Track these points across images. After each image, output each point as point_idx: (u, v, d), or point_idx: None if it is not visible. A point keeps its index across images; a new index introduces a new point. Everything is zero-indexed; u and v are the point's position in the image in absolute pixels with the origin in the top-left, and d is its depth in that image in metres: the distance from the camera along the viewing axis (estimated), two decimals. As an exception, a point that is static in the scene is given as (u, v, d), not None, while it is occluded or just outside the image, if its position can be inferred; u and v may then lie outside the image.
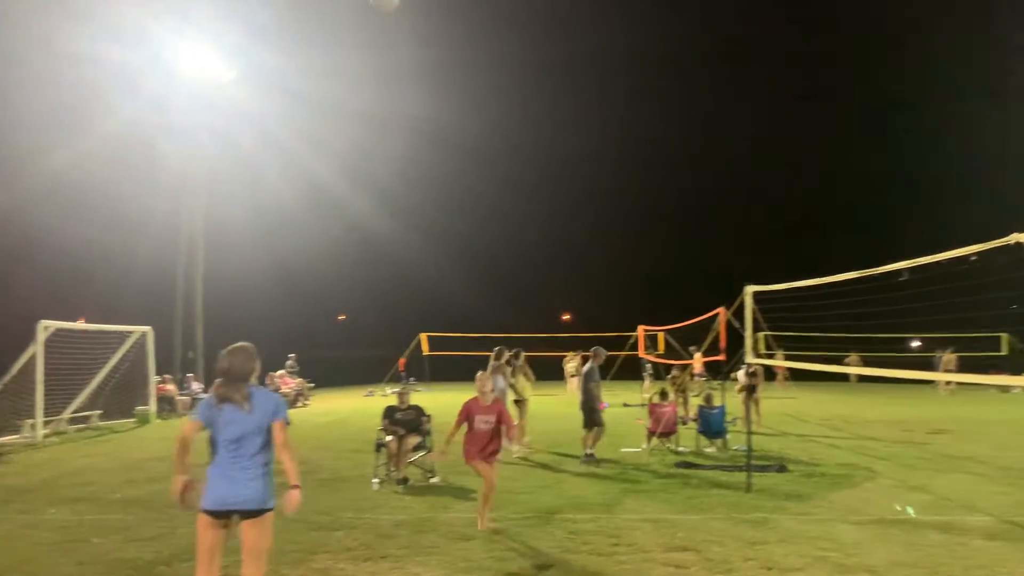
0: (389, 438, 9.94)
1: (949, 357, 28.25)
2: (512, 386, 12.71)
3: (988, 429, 16.06)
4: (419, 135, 41.20)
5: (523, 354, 13.43)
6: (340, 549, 6.73)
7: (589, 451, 11.48)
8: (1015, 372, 28.25)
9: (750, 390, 13.98)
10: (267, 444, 4.49)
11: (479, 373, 7.96)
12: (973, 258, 5.77)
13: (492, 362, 12.04)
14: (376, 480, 9.73)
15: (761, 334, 28.96)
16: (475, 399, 7.72)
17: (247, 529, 4.41)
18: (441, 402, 22.85)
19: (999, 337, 31.80)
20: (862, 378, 33.18)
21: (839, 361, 27.41)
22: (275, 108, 30.37)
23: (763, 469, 10.51)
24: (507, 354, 12.65)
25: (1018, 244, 5.07)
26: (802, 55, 53.83)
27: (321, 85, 33.66)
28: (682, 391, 16.27)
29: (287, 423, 4.56)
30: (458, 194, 48.57)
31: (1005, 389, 28.33)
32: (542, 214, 51.92)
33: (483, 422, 7.59)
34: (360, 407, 21.96)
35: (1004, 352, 31.62)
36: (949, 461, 11.66)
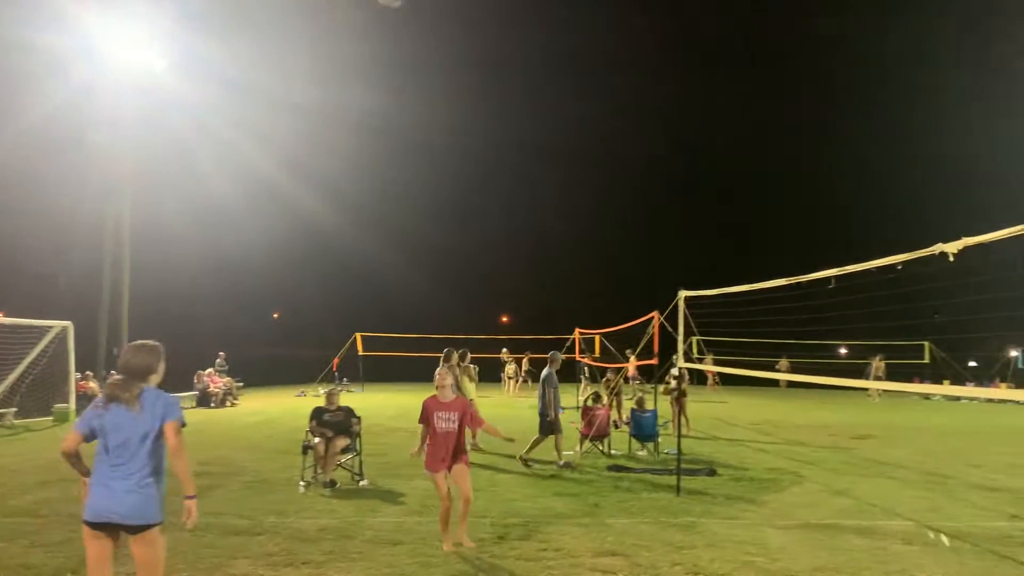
0: (316, 440, 9.71)
1: (879, 364, 29.11)
2: (459, 387, 12.58)
3: (910, 435, 16.52)
4: (363, 130, 40.60)
5: (469, 355, 13.37)
6: (260, 554, 6.51)
7: (561, 463, 11.38)
8: (936, 380, 29.25)
9: (679, 394, 14.12)
10: (155, 451, 4.20)
11: (438, 369, 7.25)
12: (899, 267, 5.88)
13: (443, 363, 11.88)
14: (302, 483, 9.49)
15: (694, 339, 29.50)
16: (434, 397, 6.99)
17: (133, 544, 4.15)
18: (374, 404, 22.64)
19: (923, 345, 32.86)
20: (792, 383, 33.91)
21: (770, 367, 28.00)
22: (211, 98, 29.56)
23: (693, 473, 10.59)
24: (456, 355, 12.52)
25: (942, 254, 5.18)
26: (745, 56, 54.84)
27: (260, 76, 32.93)
28: (616, 394, 16.34)
29: (182, 425, 4.30)
30: (400, 192, 47.99)
31: (927, 396, 29.29)
32: (485, 214, 51.66)
33: (445, 420, 6.80)
34: (291, 407, 21.52)
35: (926, 360, 32.72)
36: (873, 466, 11.93)
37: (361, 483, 9.65)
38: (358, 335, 30.79)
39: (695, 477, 10.39)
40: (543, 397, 11.67)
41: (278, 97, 34.85)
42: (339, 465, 9.75)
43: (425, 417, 6.95)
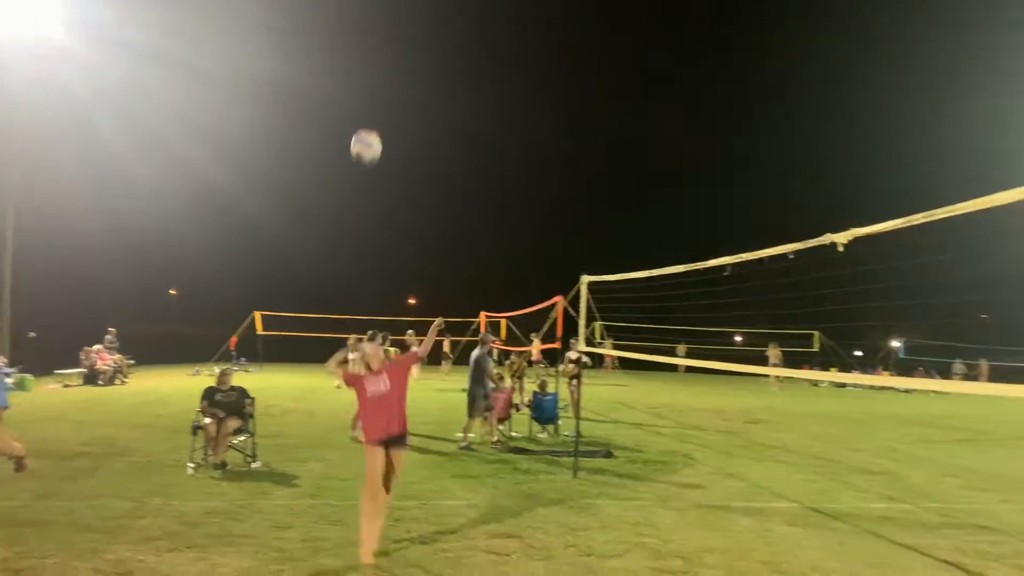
0: (207, 420, 9.36)
1: (774, 352, 30.18)
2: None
3: (799, 420, 17.17)
4: (272, 99, 39.40)
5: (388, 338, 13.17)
6: (141, 539, 6.21)
7: (464, 444, 11.31)
8: (825, 368, 30.60)
9: (576, 377, 14.28)
10: None
11: (364, 344, 6.61)
12: (791, 256, 6.03)
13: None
14: (191, 465, 9.13)
15: (597, 324, 29.94)
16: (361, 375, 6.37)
17: None
18: (272, 384, 22.09)
19: (812, 335, 34.29)
20: (690, 369, 34.86)
21: (669, 353, 28.71)
22: (110, 63, 28.11)
23: (591, 455, 10.72)
24: (381, 336, 12.29)
25: (832, 244, 5.33)
26: (644, 46, 55.86)
27: (162, 41, 31.54)
28: (519, 377, 16.41)
29: (3, 407, 4.01)
30: (309, 168, 46.80)
31: (815, 383, 30.59)
32: (395, 193, 50.97)
33: (377, 384, 6.19)
34: (184, 387, 20.76)
35: (816, 349, 34.17)
36: (763, 450, 12.33)
37: (253, 465, 9.36)
38: (256, 313, 29.97)
39: (593, 459, 10.51)
40: (474, 378, 11.66)
41: (181, 63, 33.43)
42: (231, 447, 9.43)
43: (353, 382, 6.28)
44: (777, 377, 29.11)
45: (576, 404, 11.87)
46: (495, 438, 11.66)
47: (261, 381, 22.34)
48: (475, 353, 11.98)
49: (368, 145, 7.82)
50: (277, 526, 6.72)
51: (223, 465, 9.09)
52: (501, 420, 12.55)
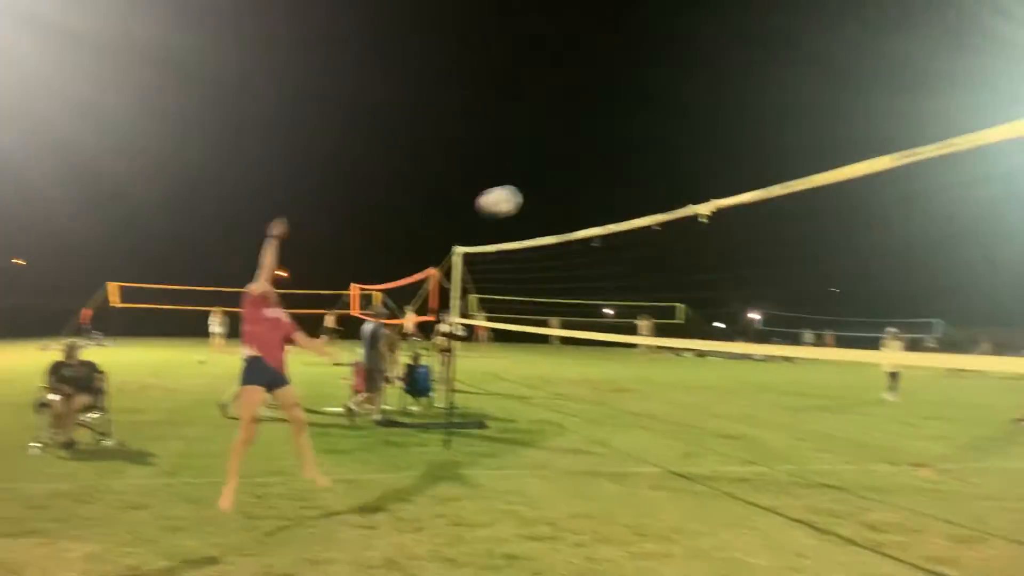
0: (54, 397, 8.76)
1: (645, 323, 31.15)
2: None
3: (664, 389, 17.82)
4: (136, 61, 36.96)
5: None
6: (-23, 525, 5.74)
7: (353, 407, 11.13)
8: (687, 338, 31.88)
9: (447, 349, 14.26)
10: None
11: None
12: (657, 228, 6.16)
13: None
14: (36, 444, 8.52)
15: (473, 297, 30.02)
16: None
17: None
18: (129, 359, 21.00)
19: (676, 307, 35.62)
20: (564, 341, 35.54)
21: (543, 324, 29.18)
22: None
23: (463, 426, 10.73)
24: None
25: (696, 216, 5.47)
26: (518, 28, 56.11)
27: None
28: (392, 350, 16.21)
29: None
30: (175, 133, 44.26)
31: (678, 353, 31.85)
32: (266, 162, 49.08)
33: (271, 312, 6.45)
34: (32, 362, 19.40)
35: (680, 320, 35.55)
36: (629, 417, 12.71)
37: (106, 443, 8.84)
38: (110, 284, 28.36)
39: (465, 431, 10.53)
40: (370, 352, 11.44)
41: (29, 16, 30.88)
42: (81, 424, 8.87)
43: (250, 309, 6.37)
44: (648, 347, 30.15)
45: (448, 376, 11.85)
46: (378, 415, 11.42)
47: (118, 356, 21.20)
48: (369, 326, 11.75)
49: (505, 201, 7.67)
50: (129, 507, 6.35)
51: (71, 444, 8.53)
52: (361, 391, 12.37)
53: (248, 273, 6.54)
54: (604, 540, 5.76)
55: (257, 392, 6.37)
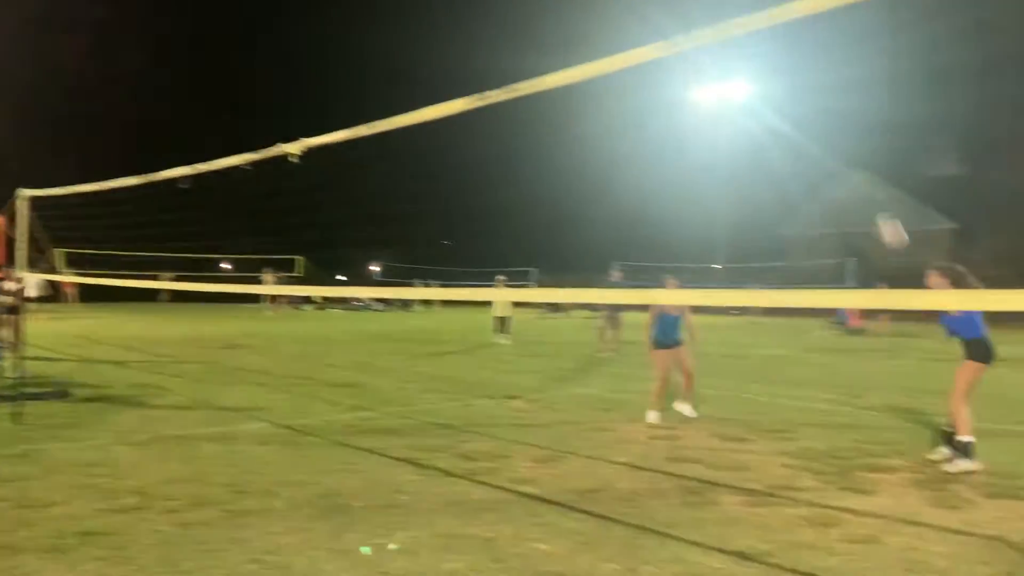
0: None
1: (269, 277, 30.14)
2: None
3: (280, 342, 17.45)
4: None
5: None
6: None
7: None
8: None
9: (13, 309, 12.44)
10: None
11: None
12: (248, 167, 5.81)
13: None
14: None
15: (59, 250, 26.54)
16: None
17: None
18: None
19: (294, 260, 35.13)
20: (176, 298, 33.18)
21: (153, 280, 26.90)
22: None
23: (39, 397, 9.42)
24: None
25: (287, 155, 5.23)
26: None
27: None
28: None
29: None
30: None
31: (297, 306, 31.53)
32: None
33: None
34: None
35: (299, 273, 35.16)
36: (239, 374, 12.20)
37: None
38: None
39: (43, 401, 9.25)
40: None
41: None
42: None
43: None
44: (271, 300, 29.35)
45: (16, 341, 10.33)
46: None
47: None
48: None
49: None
50: None
51: None
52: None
53: None
54: (199, 503, 5.40)
55: None
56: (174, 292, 29.10)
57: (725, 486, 6.00)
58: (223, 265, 41.05)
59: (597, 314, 16.99)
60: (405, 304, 36.03)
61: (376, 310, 33.56)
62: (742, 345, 20.13)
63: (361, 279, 44.32)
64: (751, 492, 5.86)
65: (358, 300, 33.46)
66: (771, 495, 5.79)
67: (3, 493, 5.60)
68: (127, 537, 4.70)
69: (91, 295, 28.69)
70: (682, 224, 47.45)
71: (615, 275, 16.42)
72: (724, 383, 11.83)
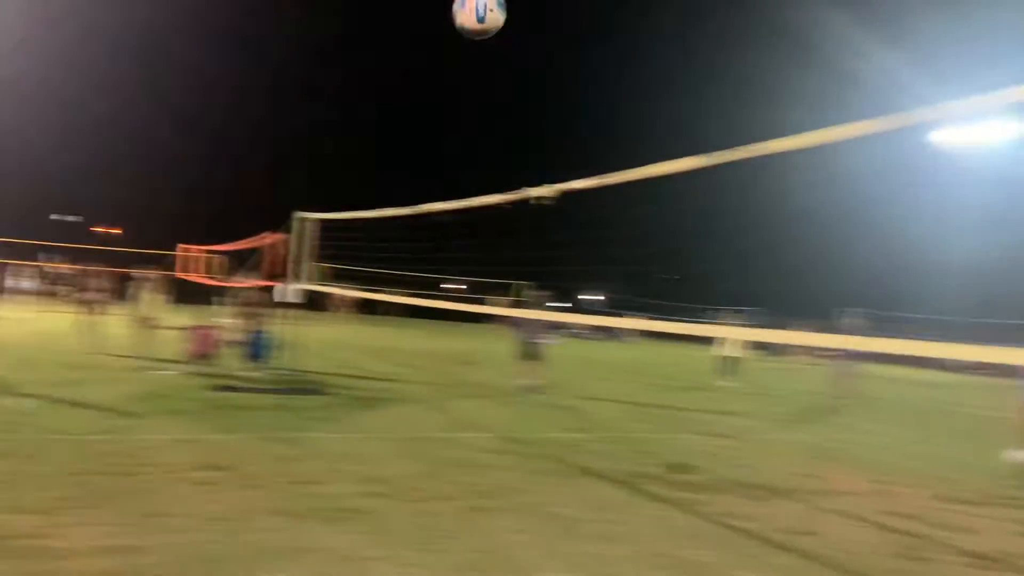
0: None
1: (498, 300, 31.78)
2: None
3: (504, 362, 18.46)
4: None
5: None
6: None
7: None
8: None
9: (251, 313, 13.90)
10: None
11: None
12: (508, 206, 6.50)
13: None
14: None
15: (322, 266, 29.46)
16: None
17: None
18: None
19: (513, 284, 36.70)
20: (414, 314, 35.54)
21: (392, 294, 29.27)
22: None
23: (301, 392, 10.80)
24: None
25: (534, 198, 5.85)
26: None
27: None
28: (237, 314, 15.87)
29: None
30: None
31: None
32: (100, 113, 45.57)
33: None
34: None
35: (519, 298, 36.62)
36: (467, 387, 13.17)
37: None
38: None
39: (303, 396, 10.60)
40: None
41: None
42: None
43: None
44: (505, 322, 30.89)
45: (289, 343, 11.86)
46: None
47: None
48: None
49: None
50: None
51: None
52: (207, 357, 12.17)
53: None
54: (437, 496, 6.13)
55: None
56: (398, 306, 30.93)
57: (944, 545, 5.88)
58: (444, 285, 43.51)
59: (820, 361, 16.37)
60: (611, 333, 36.62)
61: (586, 338, 34.26)
62: None
63: (575, 307, 45.38)
64: (972, 554, 5.71)
65: (574, 327, 34.36)
66: (996, 560, 5.62)
67: (278, 469, 6.63)
68: (384, 516, 5.50)
69: (360, 307, 31.14)
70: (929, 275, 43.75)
71: (853, 322, 15.44)
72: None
